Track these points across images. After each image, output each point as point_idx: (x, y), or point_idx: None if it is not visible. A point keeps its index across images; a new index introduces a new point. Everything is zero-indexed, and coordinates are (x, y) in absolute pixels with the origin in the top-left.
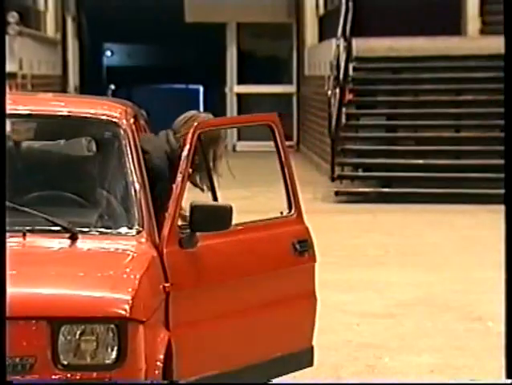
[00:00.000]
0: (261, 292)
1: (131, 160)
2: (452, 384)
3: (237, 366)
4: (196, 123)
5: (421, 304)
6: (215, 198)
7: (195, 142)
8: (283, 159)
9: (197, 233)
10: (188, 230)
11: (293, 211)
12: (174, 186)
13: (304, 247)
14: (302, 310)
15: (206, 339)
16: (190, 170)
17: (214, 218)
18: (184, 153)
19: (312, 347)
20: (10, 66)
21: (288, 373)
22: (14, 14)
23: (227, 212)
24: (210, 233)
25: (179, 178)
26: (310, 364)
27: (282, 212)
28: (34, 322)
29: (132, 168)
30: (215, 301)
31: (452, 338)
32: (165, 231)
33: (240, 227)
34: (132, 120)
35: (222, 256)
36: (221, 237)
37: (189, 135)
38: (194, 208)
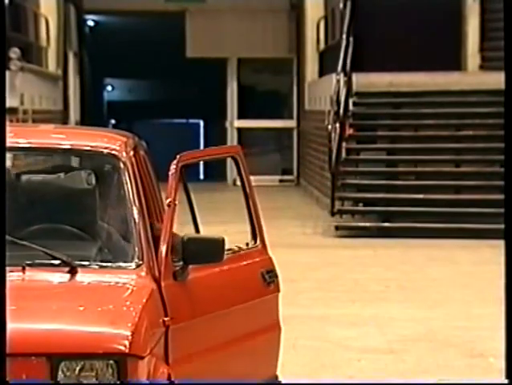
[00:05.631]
0: (240, 323)
1: (130, 192)
2: (452, 384)
3: None
4: (179, 156)
5: (422, 340)
6: (197, 231)
7: (178, 174)
8: (248, 190)
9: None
10: (180, 263)
11: (258, 242)
12: (165, 219)
13: (272, 277)
14: (270, 340)
15: (204, 372)
16: (177, 202)
17: (207, 251)
18: (170, 186)
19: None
20: (11, 102)
21: None
22: (16, 49)
23: (219, 244)
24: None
25: (168, 211)
26: None
27: (247, 244)
28: (33, 358)
29: (132, 200)
30: (209, 334)
31: (453, 374)
32: (162, 264)
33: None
34: (131, 152)
35: (209, 288)
36: (208, 268)
37: (173, 168)
38: (188, 241)
